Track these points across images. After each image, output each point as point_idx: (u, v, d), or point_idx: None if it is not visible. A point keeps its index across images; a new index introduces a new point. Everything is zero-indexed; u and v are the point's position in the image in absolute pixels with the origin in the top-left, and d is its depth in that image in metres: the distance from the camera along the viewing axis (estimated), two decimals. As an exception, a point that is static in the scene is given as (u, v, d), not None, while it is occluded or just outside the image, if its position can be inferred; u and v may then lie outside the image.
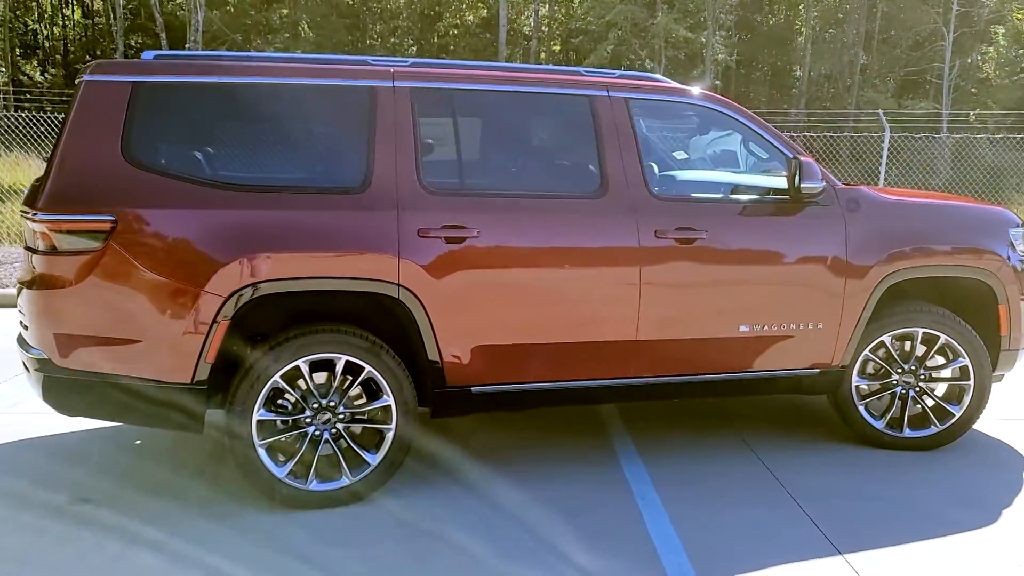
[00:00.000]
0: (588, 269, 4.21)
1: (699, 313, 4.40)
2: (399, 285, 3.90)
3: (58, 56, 38.23)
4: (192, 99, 3.85)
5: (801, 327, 4.56)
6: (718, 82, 35.87)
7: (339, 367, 3.90)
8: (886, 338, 4.75)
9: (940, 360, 4.87)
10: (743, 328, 4.47)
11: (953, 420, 4.83)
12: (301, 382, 3.88)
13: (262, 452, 3.82)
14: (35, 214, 3.63)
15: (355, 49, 36.01)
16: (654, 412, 5.47)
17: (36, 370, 3.73)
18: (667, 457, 4.70)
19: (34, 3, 39.56)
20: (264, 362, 3.78)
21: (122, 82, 3.74)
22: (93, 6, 39.79)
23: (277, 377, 3.80)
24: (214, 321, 3.68)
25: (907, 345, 4.82)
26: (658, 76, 4.66)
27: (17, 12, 37.60)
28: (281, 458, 3.90)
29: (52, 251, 3.63)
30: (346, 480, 3.95)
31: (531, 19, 34.29)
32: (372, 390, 4.00)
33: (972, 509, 4.10)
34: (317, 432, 3.92)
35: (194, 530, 3.70)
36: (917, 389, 4.83)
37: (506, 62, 32.76)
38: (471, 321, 4.04)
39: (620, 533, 3.76)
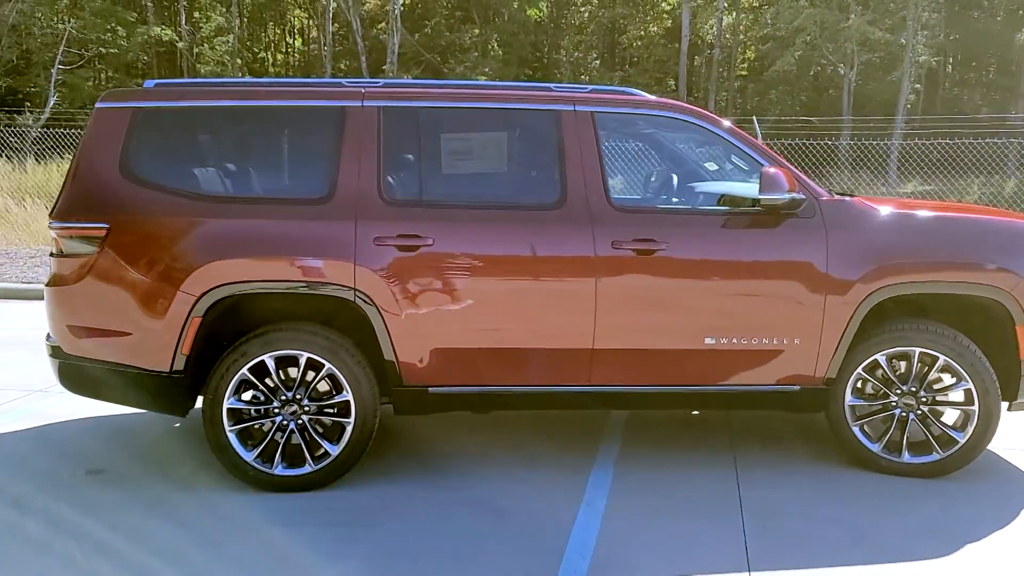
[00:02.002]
0: (543, 277, 4.35)
1: (658, 324, 4.42)
2: (355, 289, 4.23)
3: (274, 81, 41.65)
4: (180, 121, 4.39)
5: (774, 341, 4.46)
6: (918, 85, 33.76)
7: (302, 363, 4.27)
8: (880, 357, 4.54)
9: (947, 383, 4.59)
10: (708, 340, 4.44)
11: (956, 448, 4.53)
12: (270, 376, 4.28)
13: (232, 437, 4.26)
14: (51, 223, 4.26)
15: (541, 65, 36.99)
16: (661, 421, 5.48)
17: (51, 356, 4.39)
18: (644, 467, 4.73)
19: (263, 33, 43.54)
20: (233, 356, 4.23)
21: (125, 107, 4.32)
22: (311, 34, 43.09)
23: (244, 370, 4.23)
24: (188, 317, 4.17)
25: (904, 365, 4.58)
26: (634, 90, 4.71)
27: (249, 41, 41.52)
28: (251, 443, 4.31)
29: (61, 254, 4.26)
30: (309, 468, 4.32)
31: (715, 28, 33.73)
32: (339, 386, 4.34)
33: (930, 540, 3.86)
34: (284, 422, 4.31)
35: (167, 504, 4.21)
36: (919, 412, 4.57)
37: (684, 70, 32.50)
38: (426, 324, 4.30)
39: (540, 536, 3.88)
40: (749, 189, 4.43)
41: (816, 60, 32.24)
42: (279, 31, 42.85)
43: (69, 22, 33.22)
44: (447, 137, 4.59)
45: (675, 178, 5.21)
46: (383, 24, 34.58)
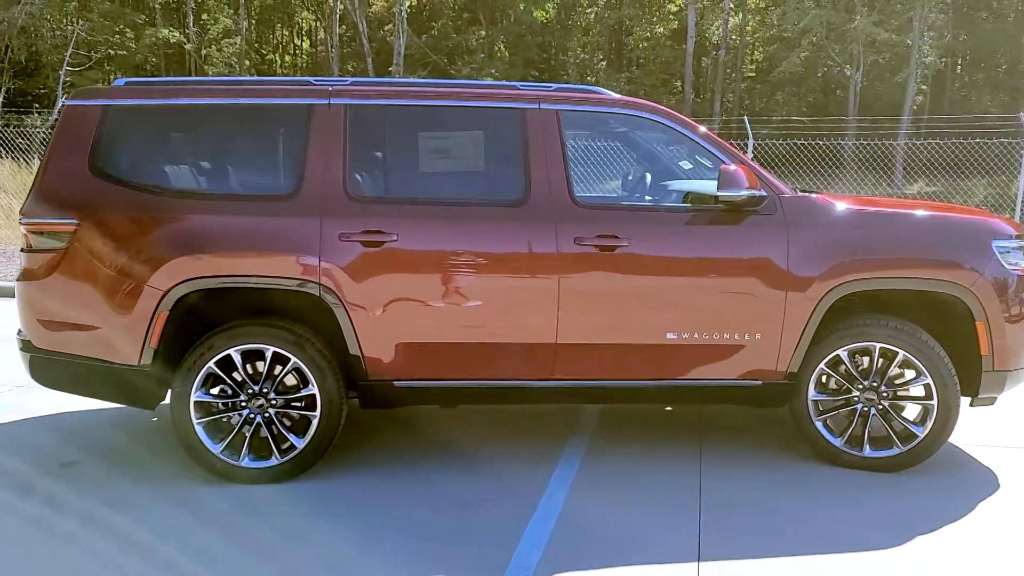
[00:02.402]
0: (506, 272, 4.41)
1: (621, 319, 4.47)
2: (319, 284, 4.30)
3: (281, 82, 41.80)
4: (148, 119, 4.47)
5: (735, 337, 4.50)
6: (925, 87, 33.66)
7: (268, 357, 4.34)
8: (842, 352, 4.58)
9: (908, 378, 4.63)
10: (670, 336, 4.49)
11: (916, 442, 4.57)
12: (237, 370, 4.35)
13: (199, 429, 4.33)
14: (21, 218, 4.35)
15: (548, 66, 37.02)
16: (634, 416, 5.53)
17: (21, 350, 4.47)
18: (610, 460, 4.78)
19: (272, 35, 43.74)
20: (200, 350, 4.30)
21: (94, 105, 4.40)
22: (318, 36, 43.26)
23: (211, 364, 4.31)
24: (155, 312, 4.24)
25: (867, 360, 4.62)
26: (599, 89, 4.77)
27: (257, 43, 41.70)
28: (219, 435, 4.38)
29: (31, 249, 4.34)
30: (275, 460, 4.39)
31: (721, 29, 33.70)
32: (305, 380, 4.41)
33: (882, 532, 3.90)
34: (251, 415, 4.38)
35: (133, 494, 4.29)
36: (880, 407, 4.61)
37: (691, 72, 32.47)
38: (390, 319, 4.37)
39: (496, 528, 3.93)
40: (710, 186, 4.47)
41: (823, 61, 32.19)
42: (287, 33, 43.06)
43: (78, 24, 33.50)
44: (413, 135, 4.65)
45: (643, 176, 5.26)
46: (390, 26, 34.68)
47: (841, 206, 4.62)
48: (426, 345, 4.43)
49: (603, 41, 36.61)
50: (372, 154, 4.55)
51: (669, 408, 5.71)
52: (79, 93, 4.50)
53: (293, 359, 4.33)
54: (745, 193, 4.34)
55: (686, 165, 5.42)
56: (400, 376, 4.46)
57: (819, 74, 34.60)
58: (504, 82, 4.88)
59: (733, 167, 4.35)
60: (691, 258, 4.50)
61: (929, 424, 4.54)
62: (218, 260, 4.28)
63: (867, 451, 4.63)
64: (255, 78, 4.86)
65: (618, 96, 4.74)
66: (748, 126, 11.18)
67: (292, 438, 4.40)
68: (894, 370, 4.62)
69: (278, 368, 4.38)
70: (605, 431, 5.30)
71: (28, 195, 4.39)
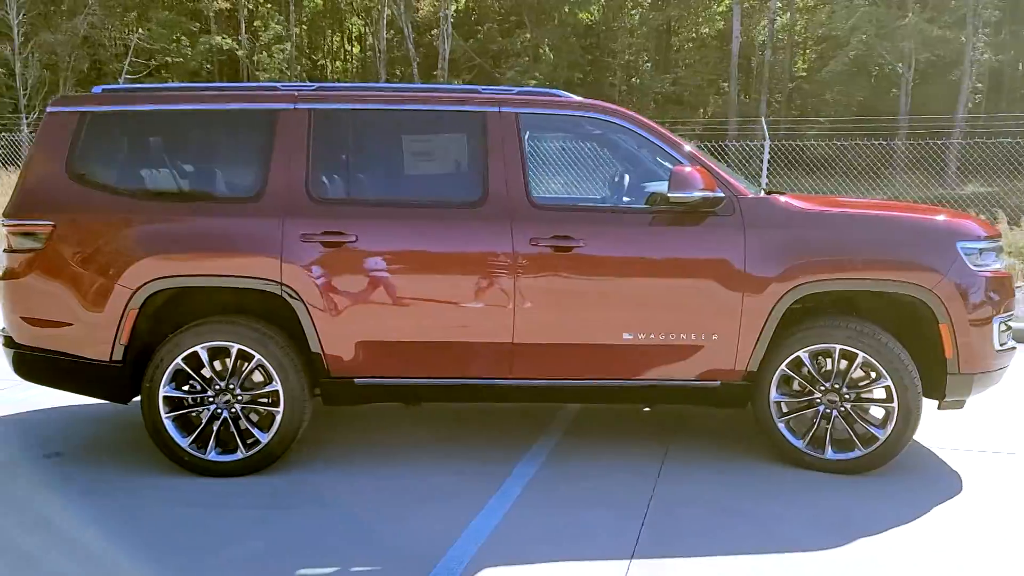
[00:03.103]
0: (464, 272, 4.49)
1: (577, 319, 4.52)
2: (281, 284, 4.43)
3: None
4: (122, 124, 4.66)
5: (692, 337, 4.52)
6: (980, 84, 32.84)
7: (233, 354, 4.49)
8: (803, 354, 4.56)
9: (869, 380, 4.60)
10: (627, 336, 4.52)
11: (877, 445, 4.53)
12: (203, 366, 4.51)
13: (168, 423, 4.50)
14: (3, 220, 4.57)
15: (593, 68, 37.02)
16: (609, 416, 5.57)
17: (4, 346, 4.70)
18: (573, 459, 4.83)
19: (323, 41, 44.57)
20: (168, 346, 4.47)
21: (72, 111, 4.61)
22: (368, 41, 43.95)
23: (179, 360, 4.47)
24: (125, 309, 4.42)
25: (829, 362, 4.59)
26: (561, 92, 4.82)
27: (308, 49, 42.53)
28: (186, 429, 4.54)
29: (11, 249, 4.56)
30: (241, 454, 4.53)
31: (767, 29, 33.34)
32: (269, 376, 4.54)
33: (828, 533, 3.89)
34: (218, 410, 4.53)
35: (106, 484, 4.48)
36: (842, 409, 4.58)
37: (736, 71, 32.17)
38: (350, 318, 4.48)
39: (442, 524, 3.99)
40: (665, 187, 4.50)
41: (874, 60, 31.61)
42: (338, 39, 43.76)
43: (137, 32, 34.55)
44: (375, 138, 4.76)
45: (608, 177, 5.29)
46: (436, 30, 35.04)
47: (803, 207, 4.61)
48: (385, 344, 4.54)
49: (648, 42, 36.47)
50: (335, 157, 4.67)
51: (647, 408, 5.73)
52: (59, 100, 4.71)
53: (257, 356, 4.48)
54: (696, 195, 4.35)
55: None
56: (360, 374, 4.57)
57: (874, 72, 33.98)
58: (467, 86, 4.96)
59: (685, 169, 4.37)
60: (647, 259, 4.53)
61: (890, 427, 4.50)
62: (184, 260, 4.45)
63: (829, 453, 4.60)
64: (225, 84, 4.99)
65: (579, 99, 4.78)
66: (765, 128, 11.09)
67: (257, 433, 4.54)
68: (858, 372, 4.58)
69: (243, 365, 4.52)
70: (577, 430, 5.35)
71: (11, 197, 4.61)
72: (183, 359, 4.48)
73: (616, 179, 5.20)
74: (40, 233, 4.49)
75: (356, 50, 43.51)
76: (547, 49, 35.52)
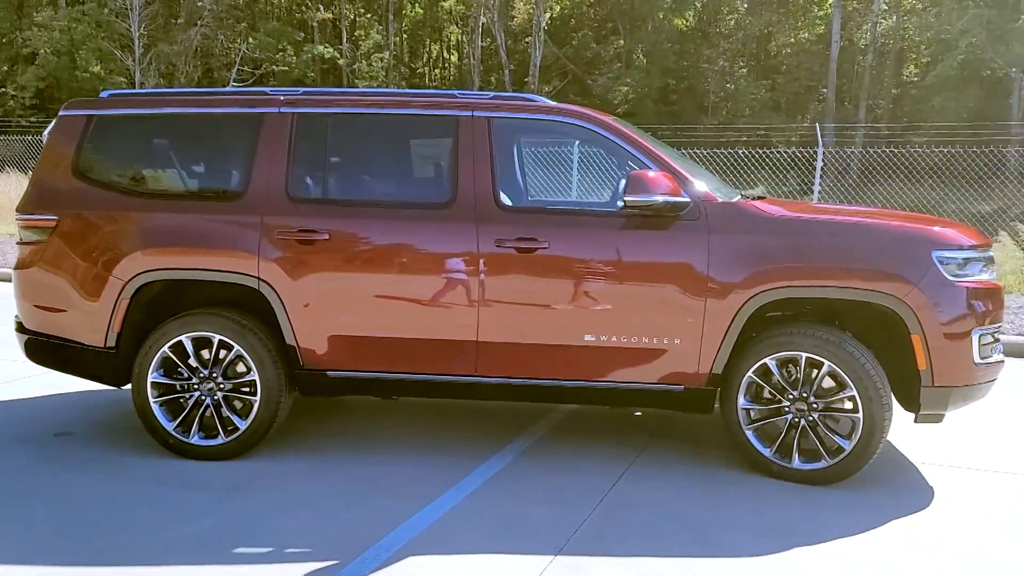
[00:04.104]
0: (431, 271, 4.62)
1: (539, 319, 4.58)
2: (258, 278, 4.67)
3: (430, 95, 43.36)
4: (123, 126, 4.99)
5: (654, 341, 4.52)
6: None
7: (215, 344, 4.75)
8: (770, 361, 4.50)
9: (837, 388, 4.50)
10: (588, 337, 4.56)
11: (844, 456, 4.43)
12: (188, 355, 4.78)
13: (155, 407, 4.79)
14: (16, 215, 4.96)
15: (687, 74, 36.61)
16: (598, 417, 5.60)
17: (16, 331, 5.09)
18: (543, 457, 4.90)
19: (423, 49, 45.55)
20: (156, 335, 4.76)
21: (81, 115, 4.96)
22: (465, 49, 44.67)
23: (166, 348, 4.76)
24: (118, 299, 4.74)
25: (796, 370, 4.52)
26: (535, 97, 4.88)
27: (407, 57, 43.53)
28: (172, 414, 4.83)
29: (21, 241, 4.94)
30: (221, 440, 4.79)
31: (868, 32, 32.29)
32: (248, 366, 4.78)
33: (768, 541, 3.86)
34: (202, 397, 4.80)
35: (97, 463, 4.81)
36: (810, 419, 4.50)
37: (834, 77, 31.28)
38: (322, 312, 4.68)
39: (390, 511, 4.13)
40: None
41: (986, 64, 30.17)
42: (437, 47, 44.60)
43: (246, 42, 36.07)
44: (354, 141, 4.94)
45: (580, 179, 5.33)
46: (530, 38, 35.30)
47: (773, 213, 4.55)
48: (356, 338, 4.71)
49: (745, 48, 35.79)
50: (314, 159, 4.86)
51: (638, 413, 5.74)
52: (71, 104, 5.08)
53: (236, 347, 4.72)
54: (654, 199, 4.36)
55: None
56: (333, 367, 4.76)
57: (985, 76, 32.44)
58: (445, 91, 5.09)
59: (644, 173, 4.39)
60: (610, 261, 4.54)
61: (855, 438, 4.39)
62: (171, 254, 4.74)
63: (796, 463, 4.53)
64: (220, 89, 5.26)
65: (552, 103, 4.84)
66: (819, 134, 10.80)
67: (236, 420, 4.79)
68: (828, 382, 4.49)
69: (224, 354, 4.77)
70: (559, 430, 5.41)
71: (24, 194, 5.00)
72: (169, 348, 4.76)
73: (588, 182, 5.23)
74: (44, 227, 4.85)
75: (454, 58, 44.22)
76: (640, 55, 35.30)
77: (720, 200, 4.57)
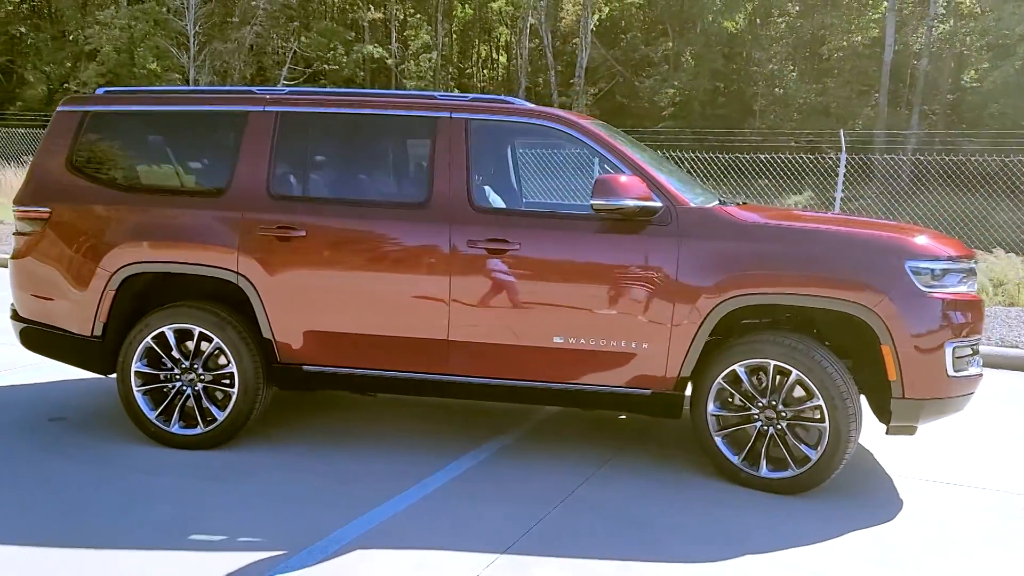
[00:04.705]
0: (404, 270, 4.68)
1: (508, 320, 4.60)
2: (237, 273, 4.78)
3: (477, 95, 43.56)
4: (114, 122, 5.14)
5: (622, 344, 4.52)
6: None
7: (195, 336, 4.87)
8: (739, 368, 4.47)
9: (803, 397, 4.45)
10: (557, 339, 4.57)
11: (810, 465, 4.38)
12: (170, 346, 4.90)
13: (138, 395, 4.93)
14: (13, 206, 5.15)
15: (736, 77, 36.24)
16: (580, 420, 5.61)
17: (12, 318, 5.27)
18: (514, 458, 4.93)
19: (472, 50, 45.82)
20: (139, 326, 4.90)
21: (76, 111, 5.12)
22: (512, 51, 44.82)
23: (149, 339, 4.89)
24: (104, 290, 4.89)
25: (766, 378, 4.48)
26: (513, 99, 4.90)
27: (456, 58, 43.79)
28: (155, 403, 4.96)
29: (17, 232, 5.12)
30: (200, 429, 4.90)
31: (923, 36, 31.62)
32: (227, 358, 4.89)
33: (713, 546, 3.84)
34: (183, 387, 4.92)
35: (85, 448, 4.97)
36: (779, 427, 4.46)
37: (887, 82, 30.68)
38: (298, 308, 4.77)
39: (348, 505, 4.19)
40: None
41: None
42: (486, 48, 44.79)
43: (299, 41, 36.65)
44: (334, 140, 5.03)
45: (556, 182, 5.34)
46: (577, 40, 35.26)
47: (745, 219, 4.52)
48: (331, 334, 4.79)
49: (796, 51, 35.28)
50: (296, 157, 4.95)
51: (623, 416, 5.73)
52: (68, 100, 5.25)
53: (216, 339, 4.83)
54: (621, 202, 4.36)
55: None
56: (308, 361, 4.84)
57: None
58: (425, 92, 5.13)
59: (617, 177, 4.39)
60: (579, 264, 4.56)
61: (822, 447, 4.34)
62: (154, 248, 4.86)
63: (763, 471, 4.48)
64: (209, 87, 5.38)
65: (530, 106, 4.87)
66: (843, 139, 10.62)
67: (214, 411, 4.90)
68: (799, 391, 4.44)
69: (205, 346, 4.89)
70: (539, 431, 5.43)
71: (21, 186, 5.18)
72: (152, 338, 4.89)
73: (562, 184, 5.25)
74: (38, 219, 5.02)
75: (503, 59, 44.35)
76: (688, 57, 35.04)
77: (692, 205, 4.55)
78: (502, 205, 5.35)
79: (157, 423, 4.93)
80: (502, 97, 4.96)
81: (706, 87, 33.80)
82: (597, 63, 35.59)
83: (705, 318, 4.41)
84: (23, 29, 44.98)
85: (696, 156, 17.28)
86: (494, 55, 45.04)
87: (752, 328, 4.67)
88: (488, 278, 4.60)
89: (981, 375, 4.54)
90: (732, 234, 4.46)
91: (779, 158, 15.70)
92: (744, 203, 5.23)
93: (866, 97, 33.66)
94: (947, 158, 16.16)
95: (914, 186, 20.30)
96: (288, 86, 35.06)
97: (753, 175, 17.15)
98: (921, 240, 4.46)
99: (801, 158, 15.93)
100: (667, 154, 16.07)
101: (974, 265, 4.60)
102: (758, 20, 35.91)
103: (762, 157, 16.17)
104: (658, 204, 4.46)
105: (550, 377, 4.65)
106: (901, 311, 4.24)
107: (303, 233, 4.73)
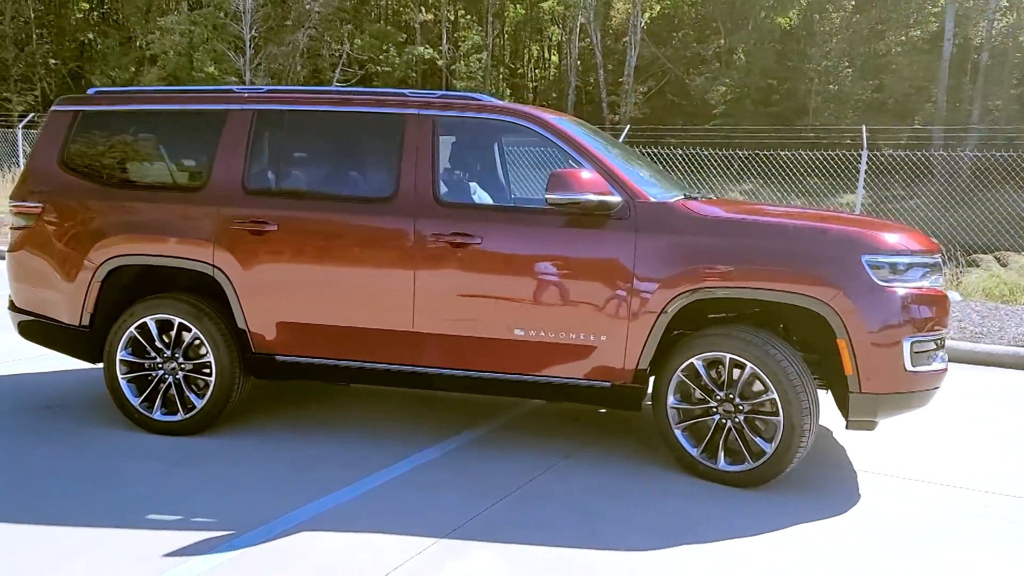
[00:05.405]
0: (371, 263, 4.79)
1: (470, 312, 4.68)
2: (213, 265, 4.95)
3: (529, 95, 43.84)
4: (101, 121, 5.34)
5: (580, 337, 4.56)
6: None
7: (175, 325, 5.05)
8: (696, 361, 4.48)
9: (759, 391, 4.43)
10: (518, 332, 4.64)
11: (765, 458, 4.36)
12: (152, 335, 5.10)
13: (123, 383, 5.14)
14: (9, 202, 5.41)
15: (789, 74, 35.70)
16: (559, 414, 5.66)
17: (9, 309, 5.53)
18: (482, 449, 5.00)
19: (524, 50, 46.00)
20: (124, 316, 5.11)
21: (69, 110, 5.36)
22: (564, 50, 44.86)
23: (132, 329, 5.09)
24: (91, 281, 5.10)
25: (722, 371, 4.48)
26: (483, 96, 4.97)
27: (507, 58, 44.02)
28: (139, 390, 5.16)
29: (13, 227, 5.37)
30: (180, 416, 5.09)
31: (984, 30, 30.75)
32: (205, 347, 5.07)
33: (649, 536, 3.87)
34: (165, 375, 5.11)
35: (75, 434, 5.19)
36: (736, 420, 4.45)
37: (946, 77, 29.91)
38: (269, 299, 4.92)
39: (303, 489, 4.32)
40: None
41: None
42: (537, 47, 44.90)
43: (353, 43, 37.20)
44: (307, 137, 5.16)
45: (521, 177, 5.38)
46: (627, 38, 35.13)
47: (702, 213, 4.52)
48: (301, 325, 4.93)
49: (852, 47, 34.57)
50: (270, 153, 5.10)
51: (603, 410, 5.76)
52: (63, 100, 5.49)
53: (194, 329, 5.01)
54: (577, 196, 4.40)
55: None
56: (280, 351, 4.99)
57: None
58: (396, 90, 5.21)
59: (574, 172, 4.43)
60: (539, 257, 4.60)
61: (776, 441, 4.33)
62: (136, 242, 5.06)
63: (721, 463, 4.48)
64: (192, 87, 5.54)
65: (500, 103, 4.93)
66: (864, 136, 10.45)
67: (193, 398, 5.08)
68: (758, 385, 4.43)
69: (185, 336, 5.07)
70: (513, 424, 5.48)
71: (16, 182, 5.44)
72: (136, 328, 5.09)
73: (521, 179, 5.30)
74: (30, 214, 5.26)
75: (555, 58, 44.39)
76: (741, 55, 34.62)
77: (652, 200, 4.57)
78: (488, 201, 5.43)
79: (141, 409, 5.12)
80: (471, 94, 5.04)
81: (758, 85, 33.37)
82: (647, 61, 35.42)
83: (661, 312, 4.43)
84: (92, 36, 46.65)
85: (744, 155, 17.10)
86: (546, 55, 45.10)
87: (716, 322, 4.67)
88: (450, 271, 4.68)
89: (945, 370, 4.47)
90: (689, 228, 4.46)
91: (832, 155, 15.42)
92: (705, 198, 5.21)
93: (925, 93, 32.85)
94: (1010, 155, 15.70)
95: (974, 184, 19.75)
96: (340, 87, 35.74)
97: (804, 174, 16.88)
98: (880, 234, 4.41)
99: (856, 155, 15.60)
100: (715, 153, 15.91)
101: (938, 260, 4.52)
102: (815, 16, 35.29)
103: (815, 154, 15.91)
104: (616, 199, 4.49)
105: (512, 369, 4.71)
106: (856, 305, 4.21)
107: (274, 227, 4.87)
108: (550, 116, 4.91)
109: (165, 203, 5.09)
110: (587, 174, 4.45)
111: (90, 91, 5.49)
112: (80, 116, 5.34)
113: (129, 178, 5.33)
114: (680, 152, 14.74)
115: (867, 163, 15.01)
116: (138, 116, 5.33)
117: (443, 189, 4.89)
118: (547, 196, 4.45)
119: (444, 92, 5.04)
